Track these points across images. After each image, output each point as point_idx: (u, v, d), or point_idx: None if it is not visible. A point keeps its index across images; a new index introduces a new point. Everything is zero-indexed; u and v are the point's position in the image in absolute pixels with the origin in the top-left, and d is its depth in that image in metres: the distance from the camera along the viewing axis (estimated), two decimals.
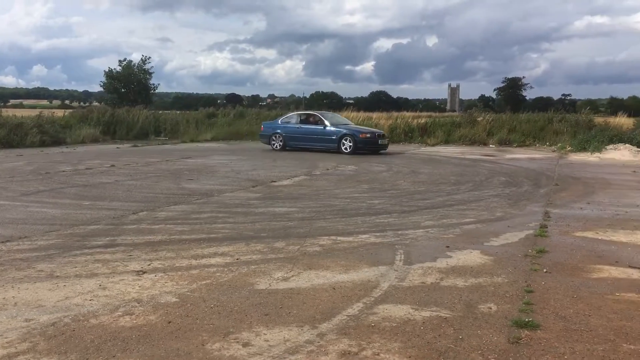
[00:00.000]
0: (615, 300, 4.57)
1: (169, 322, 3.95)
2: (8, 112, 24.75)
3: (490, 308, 4.32)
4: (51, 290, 4.58)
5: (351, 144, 18.48)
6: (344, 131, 18.93)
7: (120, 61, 42.08)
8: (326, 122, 19.45)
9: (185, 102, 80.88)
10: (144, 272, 5.10)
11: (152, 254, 5.72)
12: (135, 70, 41.55)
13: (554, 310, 4.30)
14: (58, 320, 3.96)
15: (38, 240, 6.27)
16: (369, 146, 18.61)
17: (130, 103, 34.40)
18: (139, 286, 4.72)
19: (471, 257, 5.83)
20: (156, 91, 46.60)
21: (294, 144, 19.75)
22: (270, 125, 21.00)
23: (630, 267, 5.52)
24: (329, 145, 18.95)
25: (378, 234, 6.82)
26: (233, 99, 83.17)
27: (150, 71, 42.37)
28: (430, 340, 3.69)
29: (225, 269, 5.24)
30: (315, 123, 19.69)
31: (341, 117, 23.04)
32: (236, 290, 4.64)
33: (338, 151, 18.59)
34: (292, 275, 5.08)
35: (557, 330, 3.89)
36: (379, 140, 18.86)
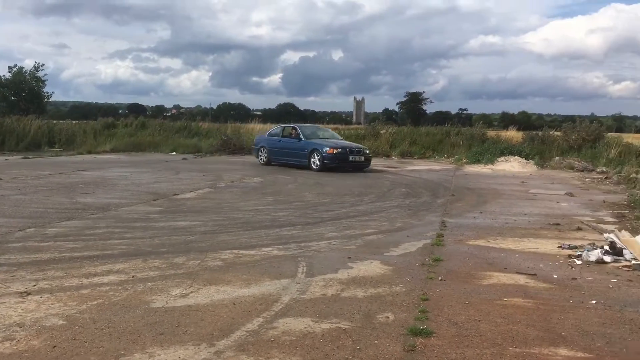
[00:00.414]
0: (503, 305, 4.81)
1: (54, 346, 3.69)
2: None
3: (388, 317, 4.41)
4: None
5: (319, 160, 16.89)
6: (313, 146, 17.27)
7: (10, 67, 39.40)
8: (301, 136, 17.85)
9: (84, 111, 77.13)
10: (29, 294, 4.75)
11: (39, 274, 5.35)
12: (27, 77, 39.07)
13: (447, 317, 4.46)
14: None
15: None
16: (339, 162, 16.83)
17: (21, 112, 32.30)
18: (22, 309, 4.38)
19: (371, 267, 5.94)
20: (51, 99, 44.06)
21: (276, 158, 18.35)
22: (259, 139, 19.75)
23: (517, 273, 5.85)
24: (300, 161, 17.45)
25: (281, 246, 6.79)
26: (136, 109, 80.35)
27: (43, 78, 40.03)
28: (328, 352, 3.70)
29: (120, 288, 5.00)
30: (295, 136, 18.05)
31: (328, 130, 21.00)
32: (130, 310, 4.43)
33: (309, 167, 17.12)
34: (191, 292, 4.93)
35: (449, 337, 4.03)
36: (350, 157, 16.92)
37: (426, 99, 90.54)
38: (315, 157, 16.98)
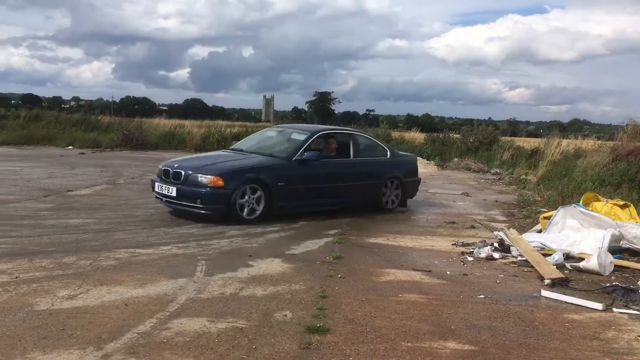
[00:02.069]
0: (399, 301, 4.96)
1: None
2: None
3: (286, 315, 4.40)
4: None
5: None
6: None
7: None
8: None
9: None
10: None
11: None
12: None
13: (344, 314, 4.52)
14: None
15: None
16: None
17: None
18: None
19: (272, 265, 5.92)
20: None
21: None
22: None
23: (413, 269, 6.05)
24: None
25: (181, 244, 6.62)
26: (31, 100, 75.34)
27: None
28: (223, 352, 3.64)
29: (1, 289, 4.65)
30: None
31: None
32: (10, 313, 4.14)
33: None
34: (80, 293, 4.68)
35: (345, 333, 4.08)
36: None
37: (335, 98, 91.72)
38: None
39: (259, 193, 8.12)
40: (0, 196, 9.50)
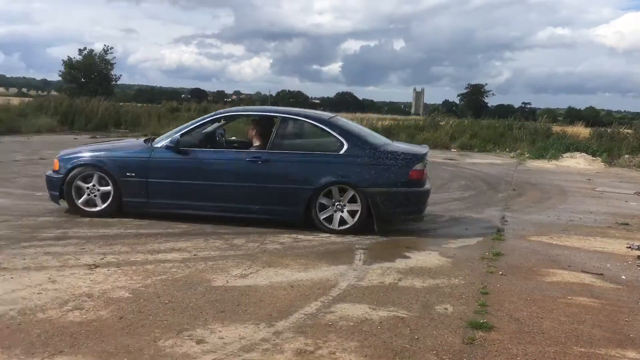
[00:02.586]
0: (568, 303, 4.66)
1: (121, 317, 3.84)
2: None
3: (447, 309, 4.35)
4: None
5: None
6: None
7: (80, 50, 40.97)
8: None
9: (149, 95, 79.32)
10: (97, 266, 4.95)
11: (106, 248, 5.56)
12: (97, 60, 40.56)
13: (508, 312, 4.35)
14: (4, 313, 3.80)
15: None
16: None
17: (90, 93, 33.55)
18: (91, 280, 4.58)
19: (429, 258, 5.87)
20: (118, 83, 45.63)
21: None
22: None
23: (583, 272, 5.65)
24: None
25: (337, 233, 6.79)
26: (198, 94, 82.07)
27: (112, 62, 41.48)
28: (386, 339, 3.69)
29: (182, 265, 5.14)
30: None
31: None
32: (192, 287, 4.55)
33: None
34: (251, 273, 5.01)
35: (510, 332, 3.93)
36: None
37: (488, 91, 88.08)
38: None
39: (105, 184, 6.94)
40: None
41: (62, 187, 6.95)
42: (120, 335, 3.55)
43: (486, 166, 17.14)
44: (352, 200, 6.65)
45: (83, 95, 30.22)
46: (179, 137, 6.97)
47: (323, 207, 6.70)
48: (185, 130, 7.14)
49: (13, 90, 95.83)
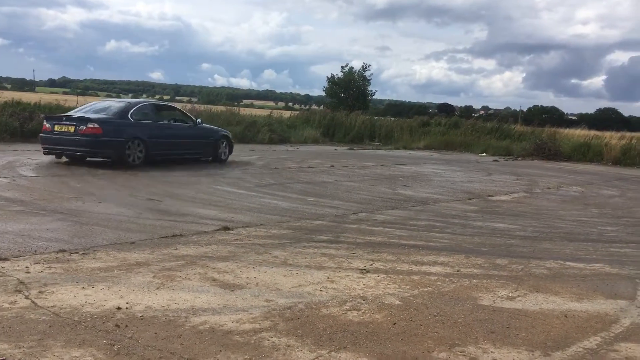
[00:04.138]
0: None
1: (394, 323, 4.02)
2: (244, 111, 27.65)
3: None
4: (286, 277, 4.97)
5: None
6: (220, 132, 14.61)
7: (342, 67, 44.29)
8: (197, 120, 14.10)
9: (398, 109, 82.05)
10: (367, 271, 5.27)
11: (374, 255, 5.89)
12: (356, 76, 43.42)
13: None
14: (294, 305, 4.28)
15: (272, 229, 6.88)
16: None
17: (348, 108, 36.02)
18: (364, 284, 4.89)
19: None
20: (372, 97, 48.19)
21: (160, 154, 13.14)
22: (113, 125, 12.10)
23: None
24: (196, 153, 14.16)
25: (614, 264, 6.17)
26: (445, 109, 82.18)
27: (369, 78, 44.02)
28: None
29: (446, 279, 5.18)
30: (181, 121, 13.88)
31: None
32: (459, 303, 4.56)
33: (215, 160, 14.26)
34: (518, 296, 4.83)
35: None
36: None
37: None
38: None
39: None
40: (431, 195, 10.63)
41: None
42: (396, 340, 3.72)
43: None
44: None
45: (341, 109, 32.54)
46: None
47: None
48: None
49: (281, 104, 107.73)
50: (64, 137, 11.49)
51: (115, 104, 13.03)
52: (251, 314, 4.03)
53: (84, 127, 11.25)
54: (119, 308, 3.96)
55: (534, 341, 3.85)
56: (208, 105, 30.83)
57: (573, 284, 5.31)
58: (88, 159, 12.00)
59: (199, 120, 14.08)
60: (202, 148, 13.91)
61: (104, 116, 11.91)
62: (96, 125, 11.29)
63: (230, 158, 14.65)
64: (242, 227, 6.87)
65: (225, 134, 14.60)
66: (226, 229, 6.69)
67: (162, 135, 12.66)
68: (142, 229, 6.46)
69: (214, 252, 5.61)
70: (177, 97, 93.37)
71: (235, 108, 28.68)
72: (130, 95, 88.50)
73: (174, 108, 14.98)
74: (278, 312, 4.09)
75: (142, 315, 3.85)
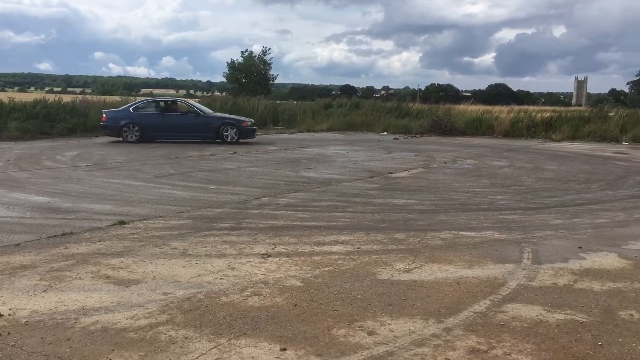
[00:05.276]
0: None
1: (295, 305, 4.04)
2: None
3: (632, 315, 4.00)
4: (185, 267, 4.86)
5: (235, 133, 17.54)
6: (224, 120, 18.03)
7: (242, 52, 43.85)
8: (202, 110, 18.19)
9: (301, 92, 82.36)
10: (269, 256, 5.26)
11: (276, 239, 5.89)
12: (256, 61, 43.08)
13: None
14: (192, 295, 4.18)
15: (171, 220, 6.69)
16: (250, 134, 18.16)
17: (250, 93, 35.69)
18: (265, 269, 4.87)
19: (607, 260, 5.43)
20: (274, 82, 48.07)
21: (157, 135, 17.75)
22: (117, 114, 18.12)
23: None
24: (205, 136, 17.59)
25: (502, 230, 6.55)
26: (347, 90, 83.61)
27: (269, 62, 43.81)
28: (565, 344, 3.48)
29: (347, 257, 5.27)
30: (186, 111, 18.20)
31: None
32: (358, 279, 4.66)
33: (222, 141, 17.37)
34: (414, 267, 5.01)
35: None
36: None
37: None
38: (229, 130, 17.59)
39: None
40: (334, 175, 10.77)
41: None
42: (296, 321, 3.74)
43: None
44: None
45: (243, 95, 32.16)
46: None
47: None
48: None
49: (182, 92, 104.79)
50: None
51: None
52: (147, 309, 3.90)
53: None
54: (0, 315, 3.69)
55: (428, 310, 4.00)
56: (103, 96, 29.45)
57: (465, 252, 5.58)
58: None
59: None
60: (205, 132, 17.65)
61: None
62: None
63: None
64: (139, 220, 6.63)
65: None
66: (122, 223, 6.43)
67: None
68: (28, 230, 6.07)
69: (108, 248, 5.37)
70: (69, 89, 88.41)
71: (133, 98, 27.54)
72: (15, 88, 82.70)
73: None
74: (176, 305, 3.99)
75: (26, 321, 3.62)
